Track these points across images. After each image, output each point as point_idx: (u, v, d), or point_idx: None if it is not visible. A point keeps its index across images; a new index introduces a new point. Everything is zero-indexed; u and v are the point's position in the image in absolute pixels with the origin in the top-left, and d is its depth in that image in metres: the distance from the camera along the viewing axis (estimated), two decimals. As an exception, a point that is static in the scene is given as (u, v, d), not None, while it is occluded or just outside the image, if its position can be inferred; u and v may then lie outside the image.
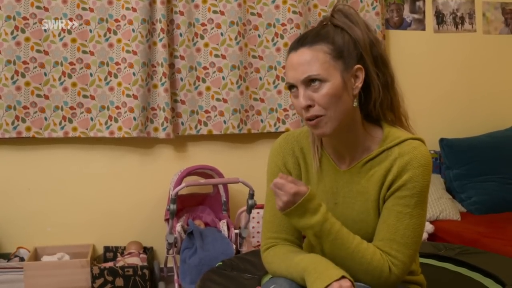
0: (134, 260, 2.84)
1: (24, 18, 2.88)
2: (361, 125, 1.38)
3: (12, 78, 2.86)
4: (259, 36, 3.15)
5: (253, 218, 3.03)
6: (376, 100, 1.35)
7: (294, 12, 3.12)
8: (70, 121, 2.96)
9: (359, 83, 1.33)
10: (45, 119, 2.93)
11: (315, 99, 1.30)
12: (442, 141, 3.32)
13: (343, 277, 1.22)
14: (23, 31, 2.88)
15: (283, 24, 3.14)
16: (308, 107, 1.31)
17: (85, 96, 2.97)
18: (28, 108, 2.90)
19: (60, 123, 2.95)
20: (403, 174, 1.32)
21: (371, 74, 1.33)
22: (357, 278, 1.29)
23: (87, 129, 2.98)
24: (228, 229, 2.83)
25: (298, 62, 1.31)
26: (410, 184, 1.31)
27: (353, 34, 1.32)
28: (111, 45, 2.98)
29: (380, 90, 1.34)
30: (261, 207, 2.93)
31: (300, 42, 1.33)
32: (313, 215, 1.28)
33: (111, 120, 2.98)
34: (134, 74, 2.93)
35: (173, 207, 2.57)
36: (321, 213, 1.29)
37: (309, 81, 1.30)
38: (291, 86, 1.34)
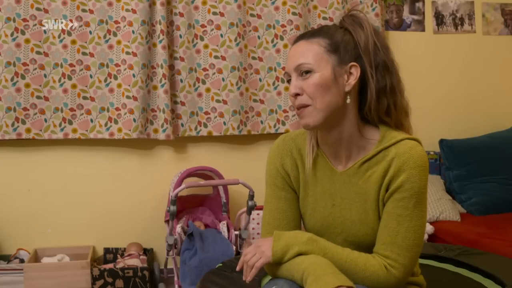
0: (134, 262, 2.84)
1: (24, 20, 2.88)
2: (355, 124, 1.38)
3: (12, 79, 2.86)
4: (258, 37, 3.15)
5: (253, 219, 3.03)
6: (370, 103, 1.35)
7: (294, 14, 3.12)
8: (70, 122, 2.96)
9: (352, 80, 1.34)
10: (45, 120, 2.94)
11: (304, 88, 1.34)
12: (442, 142, 3.32)
13: (339, 286, 1.20)
14: (23, 33, 2.88)
15: (282, 26, 3.14)
16: (296, 95, 1.35)
17: (85, 98, 2.97)
18: (28, 110, 2.90)
19: (60, 125, 2.95)
20: (400, 174, 1.32)
21: (368, 76, 1.34)
22: (357, 285, 1.30)
23: (87, 130, 2.98)
24: (228, 230, 2.83)
25: (294, 53, 1.37)
26: (408, 185, 1.31)
27: (356, 35, 1.35)
28: (111, 47, 2.98)
29: (374, 94, 1.34)
30: (261, 208, 2.93)
31: (301, 36, 1.40)
32: (297, 239, 1.34)
33: (111, 122, 2.98)
34: (134, 75, 2.93)
35: (173, 208, 2.57)
36: (305, 233, 1.36)
37: (300, 70, 1.34)
38: (288, 77, 1.40)
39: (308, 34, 1.38)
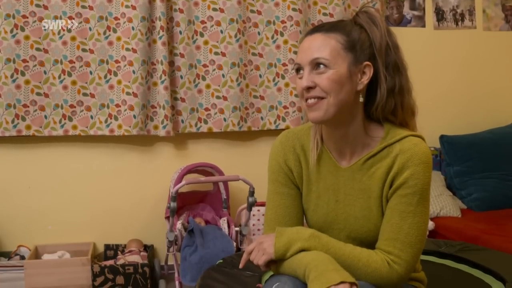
0: (135, 258, 2.85)
1: (24, 17, 2.87)
2: (361, 122, 1.39)
3: (12, 76, 2.86)
4: (259, 33, 3.14)
5: (253, 215, 3.03)
6: (379, 103, 1.36)
7: (294, 10, 3.11)
8: (70, 119, 2.96)
9: (365, 80, 1.34)
10: (45, 117, 2.93)
11: (317, 81, 1.32)
12: (442, 137, 3.32)
13: (342, 282, 1.20)
14: (22, 30, 2.87)
15: (283, 22, 3.13)
16: (309, 88, 1.33)
17: (85, 94, 2.97)
18: (28, 107, 2.90)
19: (60, 121, 2.95)
20: (404, 171, 1.32)
21: (380, 76, 1.34)
22: (359, 281, 1.29)
23: (87, 127, 2.98)
24: (229, 226, 2.83)
25: (309, 45, 1.34)
26: (412, 181, 1.31)
27: (371, 33, 1.35)
28: (110, 43, 2.97)
29: (385, 94, 1.34)
30: (262, 204, 2.93)
31: (317, 28, 1.37)
32: (299, 235, 1.34)
33: (111, 118, 2.98)
34: (134, 72, 2.92)
35: (173, 205, 2.57)
36: (307, 230, 1.36)
37: (315, 64, 1.32)
38: (298, 69, 1.37)
39: (325, 28, 1.35)
